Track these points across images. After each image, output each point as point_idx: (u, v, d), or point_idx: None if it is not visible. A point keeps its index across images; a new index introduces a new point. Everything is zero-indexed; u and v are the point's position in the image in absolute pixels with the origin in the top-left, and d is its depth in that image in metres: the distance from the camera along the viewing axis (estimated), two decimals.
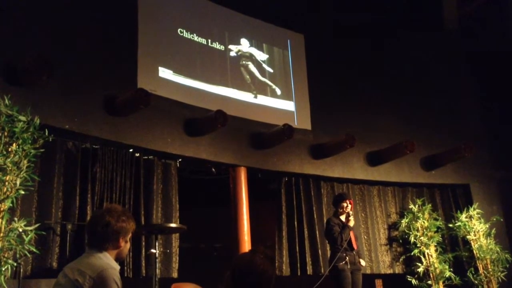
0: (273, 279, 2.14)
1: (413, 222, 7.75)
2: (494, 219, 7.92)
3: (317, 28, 8.32)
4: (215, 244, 8.71)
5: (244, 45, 7.60)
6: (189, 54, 6.93)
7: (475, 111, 9.04)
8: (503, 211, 8.37)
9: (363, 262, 5.79)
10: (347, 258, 5.44)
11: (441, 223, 7.89)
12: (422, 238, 7.61)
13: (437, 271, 7.45)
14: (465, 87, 9.19)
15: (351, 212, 5.70)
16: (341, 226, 5.61)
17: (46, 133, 4.45)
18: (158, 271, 4.85)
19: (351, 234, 5.61)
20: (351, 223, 5.63)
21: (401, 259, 7.86)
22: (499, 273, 7.52)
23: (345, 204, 5.73)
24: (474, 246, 7.72)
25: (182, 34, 6.91)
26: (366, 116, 8.17)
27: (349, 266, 5.43)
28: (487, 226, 7.80)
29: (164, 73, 6.50)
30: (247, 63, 7.54)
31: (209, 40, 7.20)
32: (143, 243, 5.75)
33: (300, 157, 7.36)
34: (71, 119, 5.33)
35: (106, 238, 2.42)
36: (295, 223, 7.27)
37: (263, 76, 7.68)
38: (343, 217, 5.73)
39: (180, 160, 6.44)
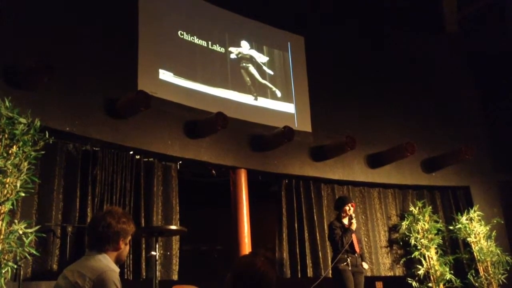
0: (274, 282, 2.14)
1: (414, 224, 7.75)
2: (495, 221, 7.92)
3: (317, 30, 8.32)
4: (216, 246, 8.70)
5: (244, 47, 7.61)
6: (190, 56, 6.94)
7: (475, 113, 9.05)
8: (503, 213, 8.36)
9: (365, 265, 5.78)
10: (349, 259, 5.44)
11: (441, 225, 7.88)
12: (422, 240, 7.61)
13: (438, 273, 7.44)
14: (466, 89, 9.20)
15: (353, 215, 5.72)
16: (342, 229, 5.62)
17: (47, 135, 4.44)
18: (158, 273, 4.84)
19: (354, 237, 5.61)
20: (354, 226, 5.64)
21: (401, 262, 7.85)
22: (499, 276, 7.51)
23: (347, 208, 5.76)
24: (475, 248, 7.71)
25: (182, 36, 6.91)
26: (367, 118, 8.18)
27: (350, 268, 5.43)
28: (488, 228, 7.79)
29: (165, 75, 6.51)
30: (247, 65, 7.54)
31: (210, 43, 7.21)
32: (143, 245, 5.75)
33: (300, 159, 7.36)
34: (72, 121, 5.33)
35: (107, 239, 2.43)
36: (296, 225, 7.27)
37: (264, 78, 7.68)
38: (345, 221, 5.74)
39: (180, 162, 6.44)
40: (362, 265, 5.68)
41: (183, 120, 6.36)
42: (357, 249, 5.62)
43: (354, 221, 5.67)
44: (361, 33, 8.66)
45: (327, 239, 6.55)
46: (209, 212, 8.18)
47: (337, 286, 5.49)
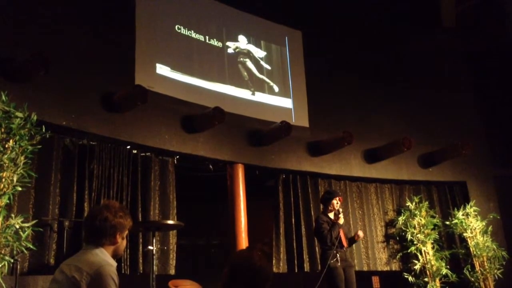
0: (271, 276, 2.14)
1: (410, 219, 7.77)
2: (491, 216, 7.94)
3: (315, 25, 8.31)
4: (213, 241, 8.72)
5: (242, 42, 7.59)
6: (187, 51, 6.92)
7: (472, 109, 9.06)
8: (499, 209, 8.39)
9: (360, 233, 5.71)
10: (338, 255, 5.41)
11: (438, 220, 7.90)
12: (419, 235, 7.63)
13: (434, 268, 7.47)
14: (463, 85, 9.21)
15: (341, 210, 5.62)
16: (330, 224, 5.51)
17: (43, 130, 4.43)
18: (155, 267, 4.84)
19: (341, 231, 5.56)
20: (341, 220, 5.55)
21: (398, 256, 7.87)
22: (495, 271, 7.54)
23: (335, 202, 5.64)
24: (471, 243, 7.74)
25: (179, 30, 6.89)
26: (364, 113, 8.18)
27: (340, 263, 5.40)
28: (484, 223, 7.82)
29: (162, 69, 6.49)
30: (244, 60, 7.53)
31: (207, 37, 7.19)
32: (141, 240, 5.75)
33: (297, 154, 7.36)
34: (69, 115, 5.32)
35: (104, 233, 2.42)
36: (293, 220, 7.28)
37: (261, 73, 7.67)
38: (331, 215, 5.67)
39: (177, 157, 6.44)
40: (358, 234, 5.65)
41: (180, 114, 6.35)
42: (345, 243, 5.56)
43: (341, 215, 5.59)
44: (359, 29, 8.64)
45: (313, 233, 6.51)
46: (206, 207, 8.20)
47: (327, 282, 5.45)
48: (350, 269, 5.52)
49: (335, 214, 5.60)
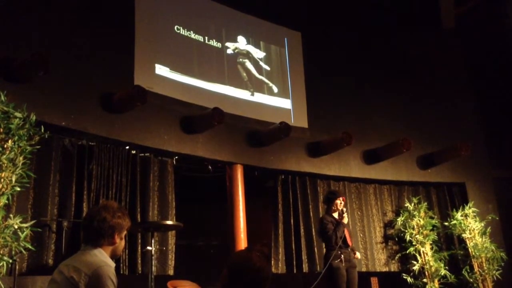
0: (269, 277, 2.14)
1: (409, 220, 7.77)
2: (490, 217, 7.95)
3: (314, 26, 8.31)
4: (212, 242, 8.71)
5: (241, 43, 7.59)
6: (186, 51, 6.92)
7: (471, 110, 9.07)
8: (498, 210, 8.39)
9: (358, 255, 5.75)
10: (342, 256, 5.42)
11: (436, 221, 7.91)
12: (417, 236, 7.63)
13: (433, 269, 7.48)
14: (462, 86, 9.21)
15: (344, 209, 5.66)
16: (334, 224, 5.56)
17: (42, 130, 4.43)
18: (154, 268, 4.84)
19: (346, 230, 5.59)
20: (345, 220, 5.59)
21: (396, 257, 7.88)
22: (494, 272, 7.55)
23: (338, 202, 5.69)
24: (470, 244, 7.75)
25: (179, 31, 6.89)
26: (363, 114, 8.19)
27: (343, 264, 5.41)
28: (483, 224, 7.82)
29: (161, 70, 6.49)
30: (244, 60, 7.53)
31: (206, 38, 7.19)
32: (139, 240, 5.75)
33: (296, 155, 7.36)
34: (68, 116, 5.31)
35: (102, 234, 2.42)
36: (291, 221, 7.28)
37: (260, 73, 7.67)
38: (335, 215, 5.69)
39: (176, 157, 6.44)
40: (355, 256, 5.66)
41: (180, 115, 6.35)
42: (349, 243, 5.59)
43: (345, 215, 5.62)
44: (358, 29, 8.64)
45: (317, 233, 6.52)
46: (205, 208, 8.19)
47: (330, 283, 5.46)
48: (353, 270, 5.54)
49: (339, 214, 5.65)
